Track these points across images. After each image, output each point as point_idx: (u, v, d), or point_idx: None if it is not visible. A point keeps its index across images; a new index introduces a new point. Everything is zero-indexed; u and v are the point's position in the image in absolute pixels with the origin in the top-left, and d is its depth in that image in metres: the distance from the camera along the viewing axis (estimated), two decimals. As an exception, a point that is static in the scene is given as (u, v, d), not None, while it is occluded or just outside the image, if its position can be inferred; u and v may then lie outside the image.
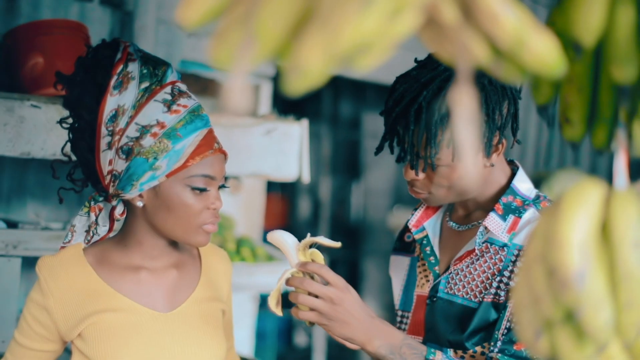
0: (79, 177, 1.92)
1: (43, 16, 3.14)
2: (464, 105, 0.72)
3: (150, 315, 1.84)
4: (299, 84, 0.76)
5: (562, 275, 0.87)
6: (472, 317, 1.86)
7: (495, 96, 1.82)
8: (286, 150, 3.24)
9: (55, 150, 2.60)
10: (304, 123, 3.33)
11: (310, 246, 1.80)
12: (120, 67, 1.80)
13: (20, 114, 2.59)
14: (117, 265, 1.87)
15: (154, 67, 1.83)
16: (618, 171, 1.00)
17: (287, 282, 1.79)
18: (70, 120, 1.89)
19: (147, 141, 1.77)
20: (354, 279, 6.76)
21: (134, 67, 1.81)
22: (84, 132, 1.83)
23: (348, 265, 6.92)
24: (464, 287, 1.90)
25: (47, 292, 1.81)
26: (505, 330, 1.81)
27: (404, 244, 2.15)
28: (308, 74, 0.74)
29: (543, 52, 0.83)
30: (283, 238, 1.80)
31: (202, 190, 1.80)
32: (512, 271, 1.84)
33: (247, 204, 4.42)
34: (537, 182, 4.19)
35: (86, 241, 1.92)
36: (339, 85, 6.47)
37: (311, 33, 0.75)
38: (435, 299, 1.95)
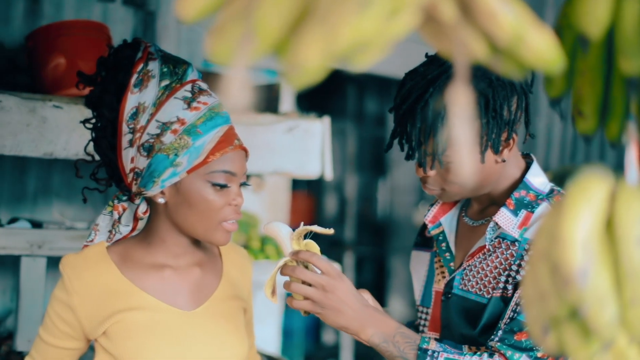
0: (102, 176, 1.93)
1: (66, 17, 3.16)
2: (459, 103, 0.72)
3: (174, 314, 1.85)
4: (297, 80, 0.76)
5: (565, 273, 0.86)
6: (483, 313, 1.84)
7: (503, 92, 1.80)
8: (308, 148, 3.23)
9: (77, 150, 2.62)
10: (326, 120, 3.32)
11: (306, 236, 1.80)
12: (141, 65, 1.82)
13: (43, 115, 2.61)
14: (141, 264, 1.88)
15: (174, 66, 1.84)
16: (629, 164, 0.99)
17: (281, 271, 1.78)
18: (93, 120, 1.91)
19: (168, 138, 1.78)
20: (381, 276, 6.76)
21: (154, 66, 1.82)
22: (106, 130, 1.84)
23: (374, 263, 6.92)
24: (477, 283, 1.89)
25: (71, 290, 1.83)
26: (508, 320, 1.79)
27: (425, 239, 2.14)
28: (306, 70, 0.74)
29: (542, 48, 0.82)
30: (277, 228, 1.80)
31: (223, 186, 1.80)
32: (519, 265, 1.82)
33: (272, 201, 4.42)
34: (563, 177, 4.15)
35: (108, 240, 1.93)
36: (363, 82, 6.46)
37: (310, 30, 0.75)
38: (450, 296, 1.94)
